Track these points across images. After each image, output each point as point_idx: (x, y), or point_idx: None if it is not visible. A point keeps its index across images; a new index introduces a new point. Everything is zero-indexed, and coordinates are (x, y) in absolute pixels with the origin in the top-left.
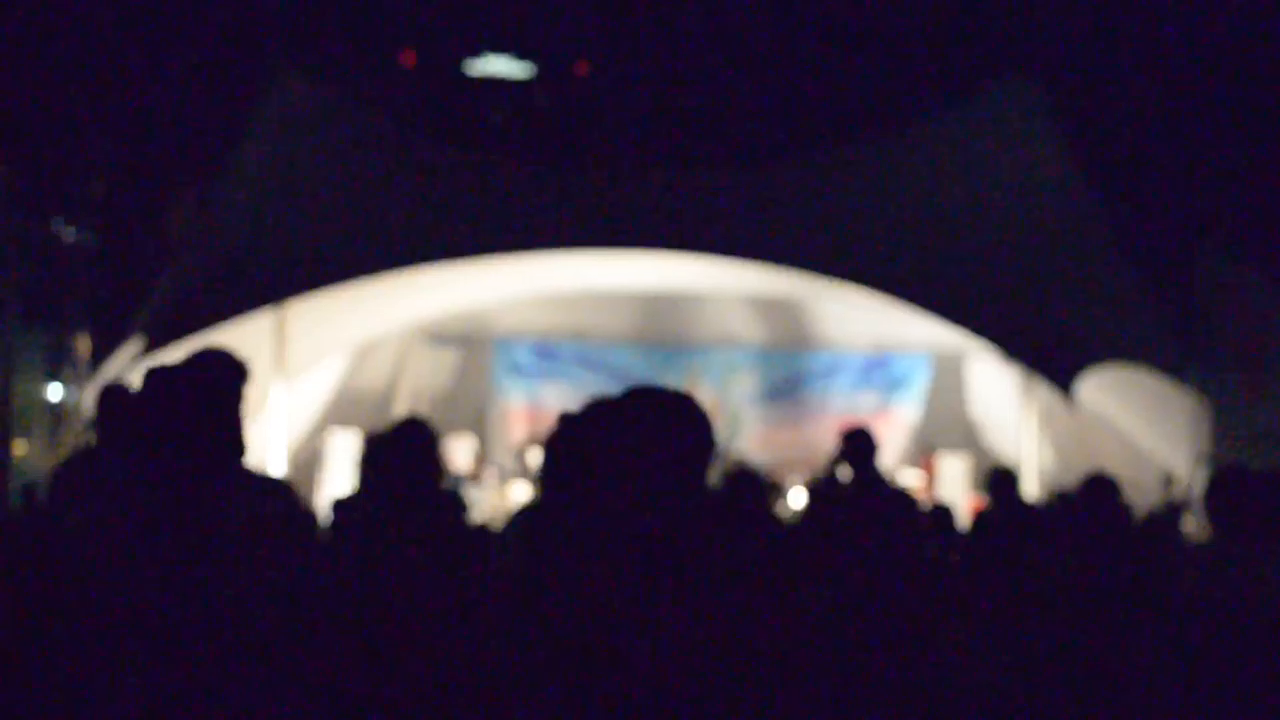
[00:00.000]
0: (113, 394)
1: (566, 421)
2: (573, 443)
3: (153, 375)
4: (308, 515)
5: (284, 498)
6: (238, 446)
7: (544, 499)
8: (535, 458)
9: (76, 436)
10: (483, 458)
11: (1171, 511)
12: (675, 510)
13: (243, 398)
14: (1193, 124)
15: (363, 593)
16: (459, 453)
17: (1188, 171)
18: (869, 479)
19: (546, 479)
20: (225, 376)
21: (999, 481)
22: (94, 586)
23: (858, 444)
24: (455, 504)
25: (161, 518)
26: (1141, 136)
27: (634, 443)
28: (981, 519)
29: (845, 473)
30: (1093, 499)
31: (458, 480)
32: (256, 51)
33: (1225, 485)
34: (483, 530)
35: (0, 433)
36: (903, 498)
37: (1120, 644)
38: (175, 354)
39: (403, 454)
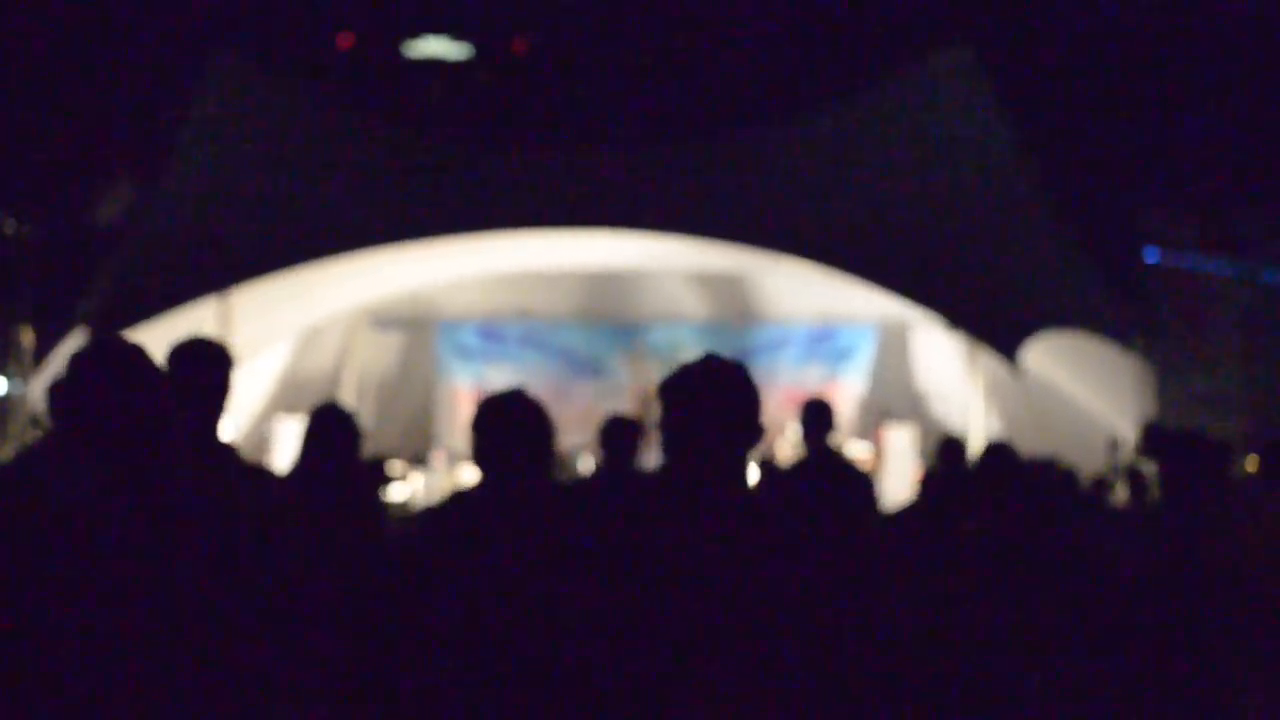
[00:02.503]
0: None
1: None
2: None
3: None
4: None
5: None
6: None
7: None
8: None
9: (23, 430)
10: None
11: (1129, 474)
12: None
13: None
14: (1136, 91)
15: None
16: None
17: (1131, 139)
18: (819, 452)
19: (490, 460)
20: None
21: (946, 451)
22: (58, 575)
23: (814, 416)
24: (373, 482)
25: (127, 503)
26: (1084, 105)
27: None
28: (926, 486)
29: (789, 445)
30: (992, 468)
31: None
32: (194, 37)
33: (1154, 444)
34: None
35: None
36: (852, 471)
37: (1056, 601)
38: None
39: (319, 438)
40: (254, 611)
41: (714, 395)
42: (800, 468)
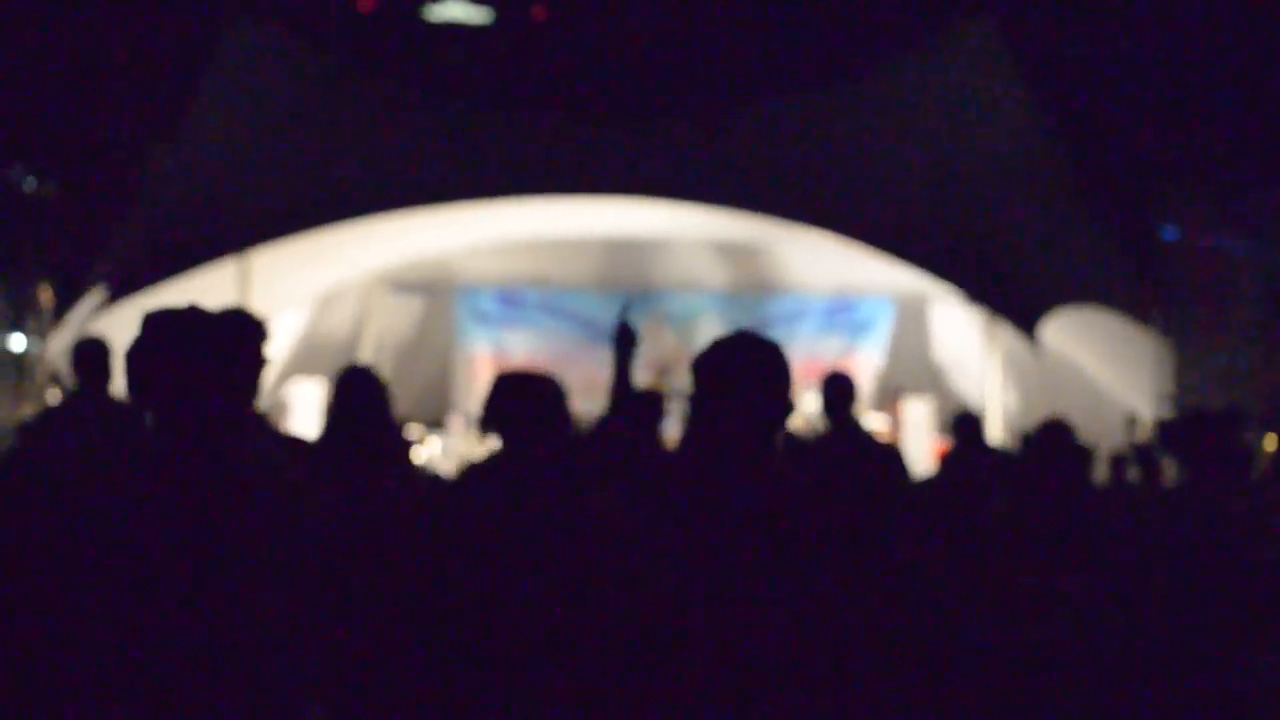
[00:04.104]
0: (90, 347)
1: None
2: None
3: (168, 320)
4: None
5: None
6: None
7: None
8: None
9: (42, 388)
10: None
11: (1137, 453)
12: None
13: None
14: (1156, 66)
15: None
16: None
17: (1151, 114)
18: (845, 427)
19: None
20: (246, 331)
21: (962, 425)
22: (95, 539)
23: (836, 389)
24: (404, 447)
25: (173, 467)
26: (1105, 80)
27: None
28: (946, 463)
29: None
30: (1049, 443)
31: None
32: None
33: (1189, 426)
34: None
35: None
36: (878, 444)
37: (1083, 585)
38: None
39: (348, 401)
40: (302, 574)
41: (747, 373)
42: (825, 441)
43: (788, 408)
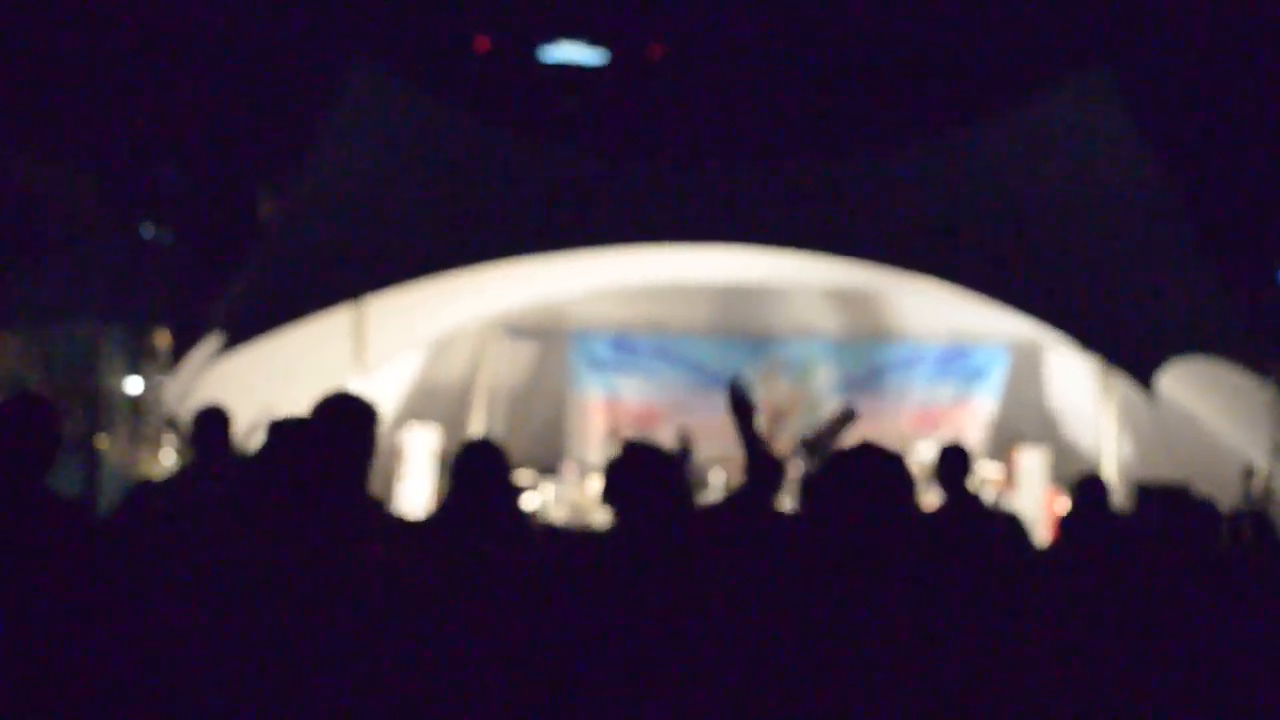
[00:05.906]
0: (212, 418)
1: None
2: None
3: (286, 430)
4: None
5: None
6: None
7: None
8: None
9: (157, 431)
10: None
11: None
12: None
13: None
14: (1268, 112)
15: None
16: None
17: (1267, 163)
18: (961, 500)
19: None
20: (355, 423)
21: (1085, 490)
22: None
23: (951, 461)
24: (522, 519)
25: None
26: (1220, 128)
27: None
28: (1066, 531)
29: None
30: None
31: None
32: (332, 45)
33: None
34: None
35: (87, 426)
36: (1005, 520)
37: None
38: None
39: (472, 474)
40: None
41: (867, 493)
42: (942, 516)
43: (910, 519)
